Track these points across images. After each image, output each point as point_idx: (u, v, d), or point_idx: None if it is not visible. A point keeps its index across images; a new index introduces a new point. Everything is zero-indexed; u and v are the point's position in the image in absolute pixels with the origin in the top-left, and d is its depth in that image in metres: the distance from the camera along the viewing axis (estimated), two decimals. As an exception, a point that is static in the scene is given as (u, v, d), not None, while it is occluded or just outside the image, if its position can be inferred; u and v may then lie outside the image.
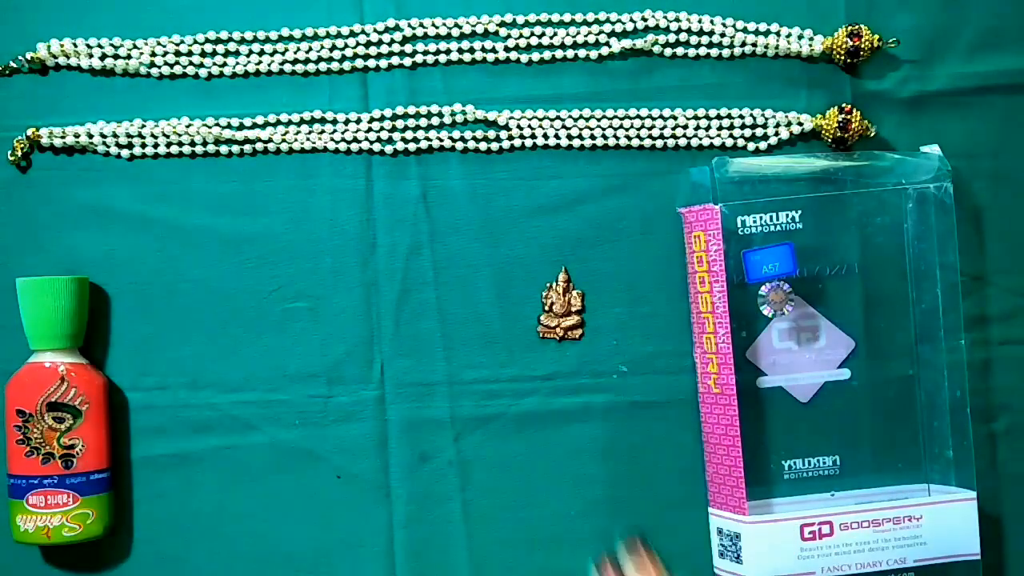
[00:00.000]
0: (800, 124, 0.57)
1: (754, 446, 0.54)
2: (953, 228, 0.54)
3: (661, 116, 0.57)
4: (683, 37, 0.57)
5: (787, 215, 0.54)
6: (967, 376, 0.55)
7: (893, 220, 0.55)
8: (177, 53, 0.56)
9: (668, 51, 0.57)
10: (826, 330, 0.55)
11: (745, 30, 0.57)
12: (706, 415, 0.55)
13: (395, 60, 0.57)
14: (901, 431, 0.56)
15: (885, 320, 0.56)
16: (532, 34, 0.57)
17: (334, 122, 0.57)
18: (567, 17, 0.57)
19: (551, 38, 0.57)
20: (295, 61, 0.56)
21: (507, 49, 0.57)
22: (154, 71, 0.56)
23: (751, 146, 0.57)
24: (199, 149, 0.56)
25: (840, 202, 0.54)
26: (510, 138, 0.57)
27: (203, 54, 0.56)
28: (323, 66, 0.57)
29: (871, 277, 0.55)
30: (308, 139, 0.56)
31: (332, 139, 0.56)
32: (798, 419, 0.55)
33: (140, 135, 0.56)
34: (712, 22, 0.57)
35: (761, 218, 0.54)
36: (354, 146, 0.56)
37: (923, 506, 0.52)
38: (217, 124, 0.56)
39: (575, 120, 0.57)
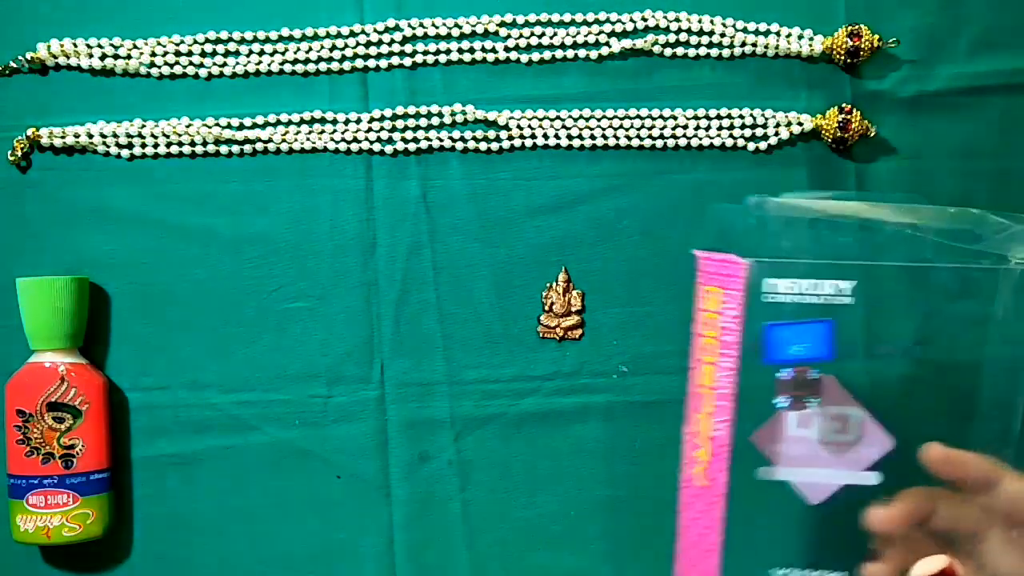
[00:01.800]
0: (800, 124, 0.57)
1: (739, 547, 0.45)
2: None
3: (661, 116, 0.57)
4: (683, 37, 0.57)
5: (834, 285, 0.42)
6: None
7: (977, 305, 0.43)
8: (177, 53, 0.56)
9: (668, 51, 0.57)
10: (862, 424, 0.44)
11: (745, 30, 0.57)
12: (684, 507, 0.46)
13: (395, 60, 0.57)
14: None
15: (939, 427, 0.44)
16: (532, 34, 0.57)
17: (334, 122, 0.57)
18: (567, 17, 0.57)
19: (551, 38, 0.57)
20: (295, 61, 0.56)
21: (507, 49, 0.57)
22: (154, 71, 0.56)
23: (751, 146, 0.57)
24: (199, 149, 0.56)
25: (911, 273, 0.43)
26: (510, 138, 0.57)
27: (203, 54, 0.56)
28: (323, 66, 0.57)
29: (932, 369, 0.45)
30: (308, 139, 0.56)
31: (332, 139, 0.56)
32: (801, 523, 0.45)
33: (140, 135, 0.56)
34: (712, 22, 0.57)
35: (798, 284, 0.42)
36: (354, 146, 0.56)
37: None
38: (217, 124, 0.56)
39: (575, 120, 0.57)
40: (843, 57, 0.56)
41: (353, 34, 0.57)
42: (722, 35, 0.57)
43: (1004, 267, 0.41)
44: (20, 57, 0.55)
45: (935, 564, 0.41)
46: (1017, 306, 0.42)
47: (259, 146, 0.56)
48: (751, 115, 0.57)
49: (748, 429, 0.43)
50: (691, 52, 0.57)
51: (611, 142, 0.57)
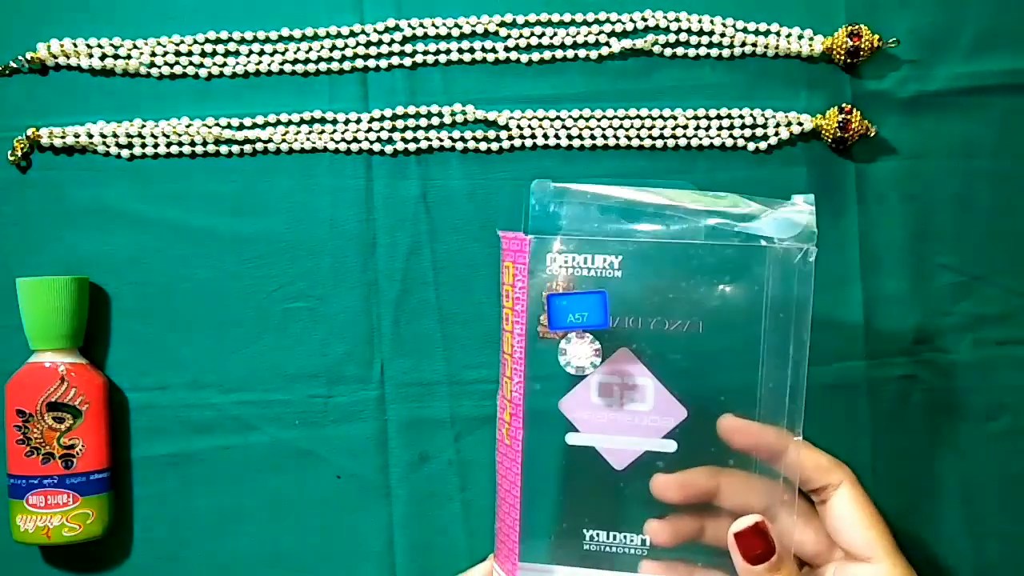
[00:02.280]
0: (800, 124, 0.57)
1: (554, 505, 0.47)
2: (809, 302, 0.44)
3: (661, 116, 0.57)
4: (683, 37, 0.57)
5: (604, 259, 0.45)
6: (797, 476, 0.46)
7: (746, 282, 0.45)
8: (177, 53, 0.56)
9: (668, 51, 0.57)
10: (655, 393, 0.46)
11: (745, 30, 0.57)
12: (499, 463, 0.49)
13: (395, 60, 0.57)
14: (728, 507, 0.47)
15: (726, 393, 0.46)
16: (532, 34, 0.57)
17: (334, 122, 0.57)
18: (567, 17, 0.57)
19: (551, 38, 0.57)
20: (295, 61, 0.56)
21: (507, 49, 0.57)
22: (154, 71, 0.56)
23: (751, 146, 0.57)
24: (199, 149, 0.56)
25: (679, 252, 0.45)
26: (510, 138, 0.57)
27: (203, 54, 0.56)
28: (323, 66, 0.57)
29: (717, 341, 0.45)
30: (308, 139, 0.56)
31: (332, 139, 0.56)
32: (609, 486, 0.46)
33: (140, 135, 0.56)
34: (712, 22, 0.57)
35: (574, 259, 0.45)
36: (354, 146, 0.56)
37: None
38: (217, 124, 0.56)
39: (575, 120, 0.57)
40: (843, 57, 0.56)
41: (353, 34, 0.57)
42: (722, 35, 0.57)
43: (770, 246, 0.44)
44: (20, 57, 0.55)
45: (748, 521, 0.44)
46: (784, 286, 0.45)
47: (259, 146, 0.56)
48: (751, 115, 0.57)
49: (552, 397, 0.46)
50: (691, 52, 0.57)
51: (611, 142, 0.57)
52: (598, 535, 0.47)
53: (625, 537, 0.46)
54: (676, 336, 0.45)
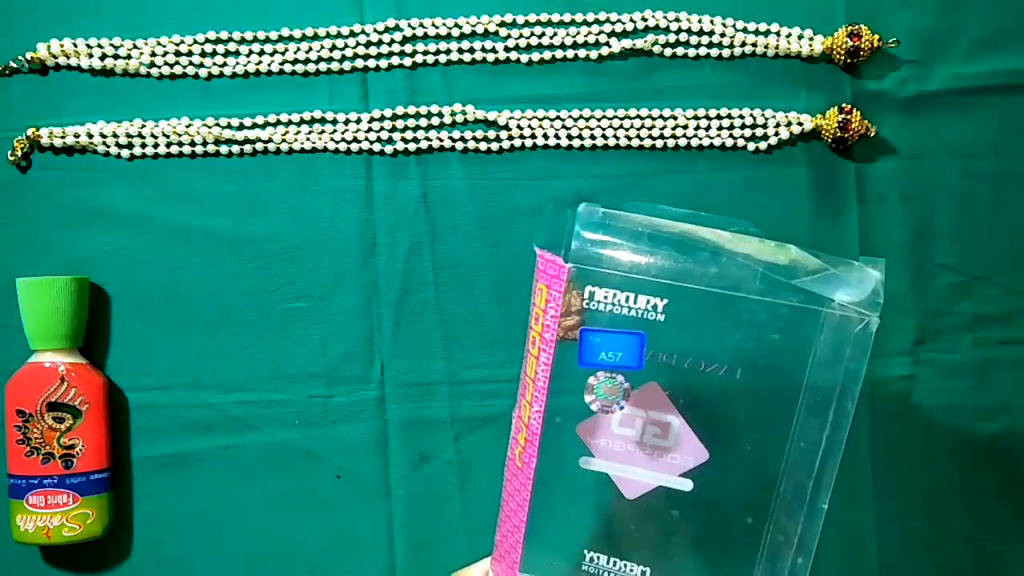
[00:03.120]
0: (800, 124, 0.57)
1: (559, 524, 0.46)
2: (861, 373, 0.42)
3: (661, 116, 0.57)
4: (683, 37, 0.57)
5: (648, 301, 0.42)
6: (815, 548, 0.44)
7: (795, 341, 0.43)
8: (177, 53, 0.56)
9: (668, 51, 0.57)
10: (679, 432, 0.44)
11: (745, 30, 0.57)
12: (507, 480, 0.47)
13: (395, 60, 0.57)
14: (732, 566, 0.45)
15: (753, 444, 0.45)
16: (532, 34, 0.57)
17: (334, 122, 0.57)
18: (567, 17, 0.57)
19: (551, 38, 0.57)
20: (295, 61, 0.56)
21: (507, 49, 0.57)
22: (154, 71, 0.56)
23: (751, 146, 0.57)
24: (199, 149, 0.56)
25: (724, 301, 0.42)
26: (510, 138, 0.57)
27: (203, 54, 0.56)
28: (323, 66, 0.57)
29: (753, 393, 0.44)
30: (308, 139, 0.56)
31: (332, 139, 0.56)
32: (616, 514, 0.45)
33: (140, 135, 0.56)
34: (712, 22, 0.57)
35: (615, 296, 0.42)
36: (354, 146, 0.56)
37: None
38: (217, 124, 0.56)
39: (575, 120, 0.57)
40: (843, 57, 0.56)
41: (353, 34, 0.57)
42: (722, 35, 0.57)
43: (827, 311, 0.42)
44: (20, 57, 0.55)
45: None
46: (836, 353, 0.42)
47: (259, 146, 0.56)
48: (751, 115, 0.57)
49: (571, 421, 0.45)
50: (691, 52, 0.57)
51: (611, 142, 0.57)
52: (598, 558, 0.45)
53: (626, 566, 0.45)
54: (711, 378, 0.43)
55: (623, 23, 0.57)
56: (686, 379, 0.44)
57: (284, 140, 0.56)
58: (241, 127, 0.56)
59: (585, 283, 0.42)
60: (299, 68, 0.57)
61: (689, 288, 0.42)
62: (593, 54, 0.57)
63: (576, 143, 0.57)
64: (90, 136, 0.56)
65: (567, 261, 0.42)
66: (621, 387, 0.43)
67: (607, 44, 0.57)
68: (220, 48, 0.56)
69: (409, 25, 0.56)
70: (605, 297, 0.42)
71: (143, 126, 0.56)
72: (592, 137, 0.57)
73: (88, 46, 0.56)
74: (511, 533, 0.46)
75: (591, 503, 0.46)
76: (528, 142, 0.57)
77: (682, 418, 0.44)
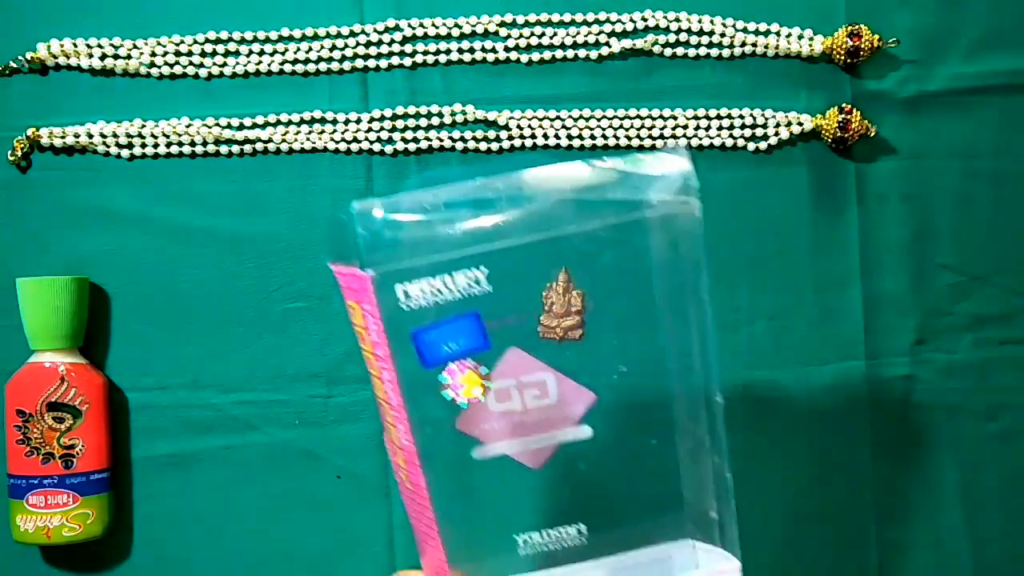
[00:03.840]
0: (800, 124, 0.57)
1: (476, 526, 0.43)
2: (702, 262, 0.41)
3: (661, 116, 0.57)
4: (683, 37, 0.57)
5: (467, 276, 0.38)
6: (725, 440, 0.43)
7: (631, 257, 0.40)
8: (177, 53, 0.56)
9: (668, 51, 0.57)
10: (557, 384, 0.42)
11: (745, 30, 0.57)
12: (407, 505, 0.45)
13: (395, 60, 0.57)
14: (658, 489, 0.44)
15: (630, 366, 0.43)
16: (532, 34, 0.57)
17: (334, 122, 0.57)
18: (567, 17, 0.57)
19: (551, 38, 0.57)
20: (295, 61, 0.56)
21: (507, 49, 0.57)
22: (154, 71, 0.56)
23: (751, 146, 0.57)
24: (199, 149, 0.56)
25: (551, 248, 0.39)
26: (510, 138, 0.57)
27: (203, 54, 0.56)
28: (323, 66, 0.57)
29: (612, 320, 0.42)
30: (308, 139, 0.56)
31: (332, 139, 0.56)
32: (531, 488, 0.43)
33: (140, 135, 0.56)
34: (712, 22, 0.57)
35: (430, 284, 0.38)
36: (354, 146, 0.56)
37: None
38: (217, 124, 0.56)
39: (575, 120, 0.57)
40: (843, 57, 0.56)
41: (353, 34, 0.57)
42: (722, 35, 0.57)
43: (649, 217, 0.39)
44: (20, 57, 0.55)
45: None
46: (672, 252, 0.40)
47: (259, 146, 0.56)
48: (751, 115, 0.57)
49: (443, 425, 0.41)
50: (691, 52, 0.57)
51: (611, 142, 0.57)
52: (531, 538, 0.43)
53: (560, 532, 0.42)
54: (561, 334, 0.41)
55: (623, 23, 0.57)
56: (529, 330, 0.41)
57: (284, 140, 0.56)
58: (241, 127, 0.56)
59: (394, 284, 0.38)
60: (299, 68, 0.56)
61: (504, 248, 0.38)
62: (593, 54, 0.57)
63: (576, 143, 0.57)
64: (90, 136, 0.56)
65: (364, 269, 0.37)
66: (480, 373, 0.40)
67: (607, 44, 0.57)
68: (220, 48, 0.56)
69: (409, 25, 0.56)
70: (422, 291, 0.38)
71: (143, 126, 0.56)
72: (592, 137, 0.57)
73: (88, 46, 0.56)
74: (432, 551, 0.44)
75: (501, 490, 0.43)
76: (528, 142, 0.57)
77: (553, 371, 0.41)
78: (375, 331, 0.39)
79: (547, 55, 0.57)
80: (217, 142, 0.56)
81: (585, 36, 0.57)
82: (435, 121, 0.57)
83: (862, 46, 0.56)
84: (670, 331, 0.42)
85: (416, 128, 0.57)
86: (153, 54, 0.56)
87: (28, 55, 0.55)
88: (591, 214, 0.39)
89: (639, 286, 0.41)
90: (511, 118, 0.57)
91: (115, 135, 0.56)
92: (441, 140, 0.57)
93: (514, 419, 0.41)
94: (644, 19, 0.57)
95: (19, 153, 0.55)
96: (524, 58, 0.57)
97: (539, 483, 0.43)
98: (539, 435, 0.42)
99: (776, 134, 0.57)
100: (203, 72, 0.56)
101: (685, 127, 0.57)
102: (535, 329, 0.41)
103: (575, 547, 0.42)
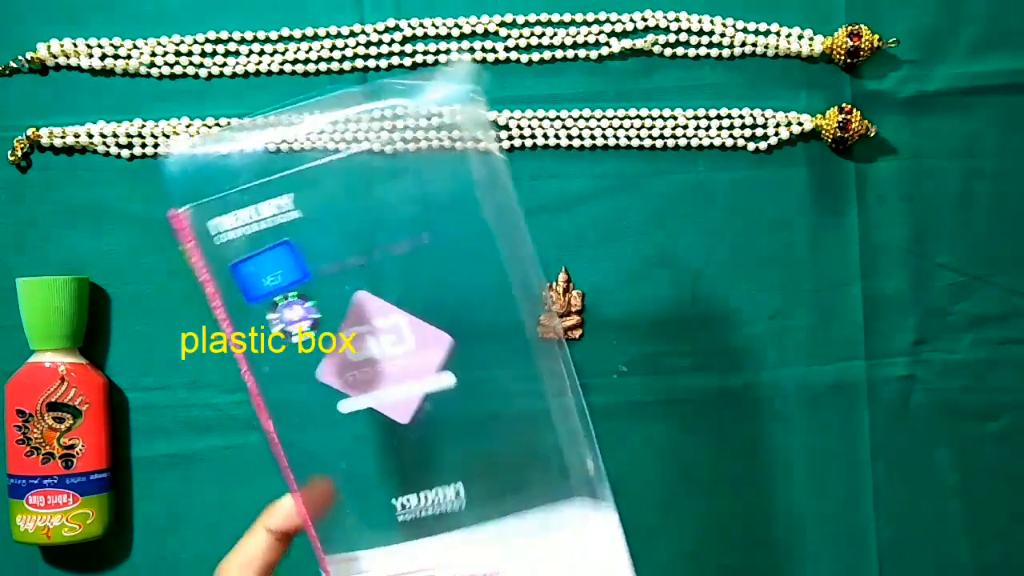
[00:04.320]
0: (800, 124, 0.57)
1: (348, 486, 0.42)
2: (508, 188, 0.39)
3: (661, 116, 0.57)
4: (683, 37, 0.57)
5: (272, 204, 0.37)
6: (572, 382, 0.41)
7: (451, 182, 0.39)
8: (177, 53, 0.56)
9: (668, 51, 0.57)
10: (411, 328, 0.40)
11: (745, 30, 0.57)
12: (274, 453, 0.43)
13: (395, 60, 0.57)
14: (533, 438, 0.41)
15: (482, 309, 0.41)
16: (532, 34, 0.57)
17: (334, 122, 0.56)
18: (567, 17, 0.57)
19: (551, 38, 0.57)
20: (295, 61, 0.56)
21: (507, 49, 0.57)
22: (154, 71, 0.56)
23: (751, 146, 0.57)
24: (199, 149, 0.56)
25: (357, 167, 0.38)
26: (510, 138, 0.57)
27: (203, 54, 0.56)
28: (323, 66, 0.57)
29: (450, 250, 0.39)
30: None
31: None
32: (403, 445, 0.41)
33: (140, 135, 0.56)
34: (712, 22, 0.57)
35: (238, 216, 0.38)
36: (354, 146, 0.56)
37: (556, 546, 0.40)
38: (217, 124, 0.56)
39: (575, 120, 0.57)
40: (843, 57, 0.56)
41: (353, 34, 0.57)
42: (722, 35, 0.57)
43: (460, 151, 0.37)
44: (20, 57, 0.55)
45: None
46: (491, 185, 0.39)
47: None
48: (751, 115, 0.57)
49: (285, 368, 0.40)
50: (691, 52, 0.57)
51: (611, 142, 0.57)
52: (409, 501, 0.40)
53: (437, 493, 0.40)
54: (405, 258, 0.39)
55: (623, 23, 0.57)
56: (384, 271, 0.39)
57: (284, 140, 0.56)
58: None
59: (206, 220, 0.38)
60: (299, 68, 0.56)
61: (304, 171, 0.37)
62: (593, 54, 0.57)
63: (576, 143, 0.57)
64: (90, 136, 0.56)
65: (177, 208, 0.38)
66: (303, 306, 0.39)
67: (607, 44, 0.57)
68: (220, 48, 0.56)
69: (409, 25, 0.56)
70: (233, 222, 0.38)
71: (143, 126, 0.56)
72: (592, 137, 0.57)
73: (88, 46, 0.56)
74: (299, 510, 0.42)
75: (371, 448, 0.41)
76: (528, 142, 0.57)
77: (405, 313, 0.39)
78: (200, 268, 0.38)
79: (547, 55, 0.57)
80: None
81: (585, 36, 0.57)
82: (435, 121, 0.57)
83: (862, 46, 0.56)
84: (509, 261, 0.39)
85: (416, 128, 0.56)
86: (153, 54, 0.56)
87: (28, 55, 0.55)
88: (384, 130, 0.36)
89: (468, 213, 0.39)
90: (511, 118, 0.57)
91: (115, 135, 0.56)
92: (441, 140, 0.57)
93: (375, 369, 0.40)
94: (644, 19, 0.57)
95: (19, 153, 0.55)
96: (524, 58, 0.57)
97: (410, 440, 0.40)
98: (402, 385, 0.40)
99: (776, 134, 0.57)
100: (203, 72, 0.56)
101: (685, 127, 0.57)
102: (376, 263, 0.39)
103: (452, 512, 0.40)
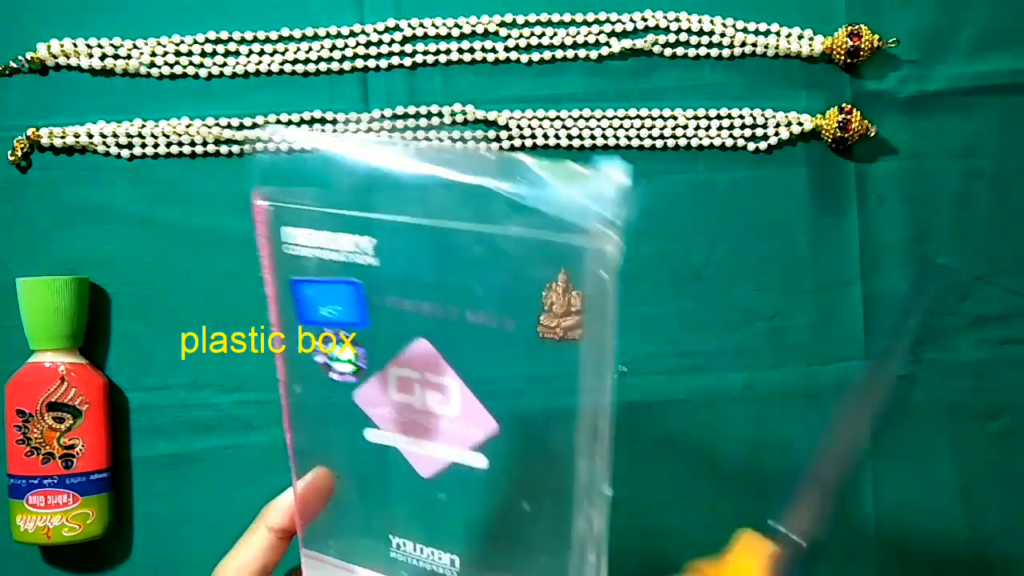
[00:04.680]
0: (800, 124, 0.57)
1: (361, 509, 0.41)
2: (614, 316, 0.35)
3: (661, 116, 0.57)
4: (683, 37, 0.57)
5: (352, 241, 0.34)
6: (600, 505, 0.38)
7: (523, 274, 0.35)
8: (177, 53, 0.56)
9: (668, 51, 0.57)
10: (461, 397, 0.37)
11: (745, 30, 0.57)
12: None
13: (395, 60, 0.57)
14: (546, 539, 0.38)
15: (541, 414, 0.38)
16: (532, 34, 0.57)
17: (334, 122, 0.57)
18: (567, 17, 0.57)
19: (551, 38, 0.57)
20: (295, 61, 0.56)
21: (507, 49, 0.57)
22: (154, 71, 0.56)
23: (751, 146, 0.57)
24: (199, 149, 0.56)
25: (453, 239, 0.33)
26: (510, 138, 0.57)
27: (203, 54, 0.56)
28: (323, 66, 0.57)
29: (532, 345, 0.36)
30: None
31: (332, 139, 0.56)
32: (415, 494, 0.39)
33: (140, 135, 0.56)
34: (712, 22, 0.57)
35: (312, 236, 0.34)
36: (354, 146, 0.56)
37: None
38: (217, 124, 0.56)
39: (575, 120, 0.57)
40: (843, 57, 0.56)
41: (353, 34, 0.57)
42: (722, 35, 0.57)
43: (557, 239, 0.32)
44: (20, 57, 0.55)
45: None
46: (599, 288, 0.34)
47: (259, 146, 0.56)
48: (751, 115, 0.57)
49: (315, 390, 0.38)
50: (691, 52, 0.57)
51: (611, 142, 0.57)
52: (404, 544, 0.39)
53: (433, 553, 0.39)
54: (482, 331, 0.36)
55: (623, 23, 0.57)
56: (453, 333, 0.36)
57: (284, 140, 0.56)
58: (241, 127, 0.56)
59: (282, 223, 0.35)
60: (299, 68, 0.56)
61: (400, 224, 0.33)
62: (593, 54, 0.57)
63: (576, 143, 0.57)
64: (90, 136, 0.56)
65: (260, 199, 0.35)
66: (356, 350, 0.37)
67: (607, 44, 0.57)
68: (220, 48, 0.56)
69: (409, 25, 0.56)
70: (307, 239, 0.35)
71: (143, 126, 0.56)
72: (592, 137, 0.57)
73: (88, 46, 0.56)
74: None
75: (385, 483, 0.39)
76: (528, 142, 0.57)
77: (461, 381, 0.37)
78: (265, 267, 0.36)
79: (547, 55, 0.57)
80: (217, 142, 0.56)
81: (585, 36, 0.57)
82: (435, 121, 0.57)
83: (862, 46, 0.56)
84: (586, 378, 0.36)
85: (416, 128, 0.57)
86: (153, 54, 0.56)
87: (28, 55, 0.55)
88: (498, 216, 0.32)
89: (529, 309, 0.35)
90: (511, 118, 0.57)
91: (115, 135, 0.56)
92: (441, 140, 0.57)
93: (411, 415, 0.38)
94: (644, 19, 0.57)
95: (19, 153, 0.55)
96: (524, 58, 0.57)
97: (425, 494, 0.39)
98: (434, 443, 0.38)
99: (776, 134, 0.57)
100: (203, 72, 0.56)
101: (685, 127, 0.57)
102: (449, 321, 0.36)
103: (444, 574, 0.39)
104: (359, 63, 0.57)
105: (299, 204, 0.34)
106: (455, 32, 0.57)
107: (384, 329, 0.36)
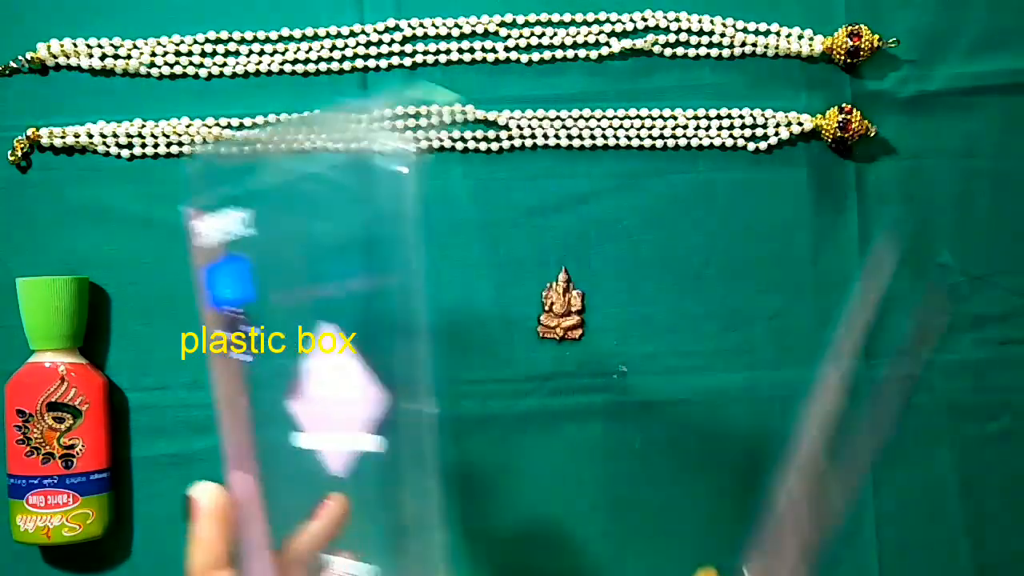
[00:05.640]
0: (800, 124, 0.57)
1: (289, 518, 0.39)
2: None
3: (661, 116, 0.57)
4: (683, 37, 0.57)
5: (234, 216, 0.35)
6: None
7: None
8: (177, 53, 0.56)
9: (668, 51, 0.57)
10: (360, 376, 0.36)
11: (745, 30, 0.57)
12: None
13: (395, 60, 0.57)
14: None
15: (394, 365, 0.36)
16: (532, 34, 0.57)
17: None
18: (567, 17, 0.57)
19: (551, 38, 0.57)
20: (295, 61, 0.56)
21: (507, 49, 0.57)
22: (154, 71, 0.56)
23: (751, 146, 0.57)
24: (199, 149, 0.56)
25: (303, 189, 0.35)
26: (510, 138, 0.57)
27: (203, 54, 0.56)
28: (323, 66, 0.57)
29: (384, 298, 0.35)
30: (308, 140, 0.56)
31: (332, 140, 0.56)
32: (327, 492, 0.38)
33: (140, 135, 0.56)
34: (712, 22, 0.57)
35: (207, 221, 0.37)
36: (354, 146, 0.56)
37: None
38: (217, 124, 0.56)
39: (575, 120, 0.57)
40: (843, 57, 0.56)
41: (353, 34, 0.57)
42: (722, 35, 0.57)
43: (387, 168, 0.34)
44: (20, 57, 0.55)
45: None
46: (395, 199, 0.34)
47: (259, 146, 0.56)
48: (751, 115, 0.57)
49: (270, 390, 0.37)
50: (691, 52, 0.57)
51: (611, 142, 0.57)
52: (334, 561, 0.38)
53: (356, 568, 0.37)
54: (359, 296, 0.36)
55: (623, 23, 0.57)
56: (346, 306, 0.36)
57: (284, 140, 0.56)
58: (241, 127, 0.56)
59: (191, 220, 0.37)
60: (299, 68, 0.56)
61: (263, 187, 0.35)
62: (593, 54, 0.57)
63: (576, 143, 0.57)
64: (90, 136, 0.56)
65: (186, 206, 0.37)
66: (238, 321, 0.36)
67: (607, 44, 0.57)
68: (220, 48, 0.56)
69: (409, 25, 0.56)
70: (208, 228, 0.36)
71: (143, 126, 0.56)
72: (592, 137, 0.57)
73: (88, 46, 0.56)
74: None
75: (310, 490, 0.37)
76: (528, 142, 0.57)
77: (359, 359, 0.36)
78: (198, 267, 0.37)
79: (547, 55, 0.57)
80: (217, 142, 0.56)
81: (585, 36, 0.57)
82: (435, 121, 0.57)
83: (862, 46, 0.56)
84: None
85: (416, 128, 0.57)
86: (153, 54, 0.56)
87: (28, 55, 0.55)
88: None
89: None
90: (511, 118, 0.57)
91: (115, 135, 0.56)
92: (441, 140, 0.57)
93: (325, 408, 0.37)
94: (644, 19, 0.57)
95: (19, 153, 0.55)
96: (524, 58, 0.57)
97: (344, 494, 0.37)
98: (339, 434, 0.37)
99: (776, 134, 0.57)
100: (203, 72, 0.56)
101: (685, 127, 0.57)
102: (339, 298, 0.36)
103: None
104: (359, 63, 0.57)
105: (200, 200, 0.36)
106: (455, 32, 0.57)
107: (274, 326, 0.37)
